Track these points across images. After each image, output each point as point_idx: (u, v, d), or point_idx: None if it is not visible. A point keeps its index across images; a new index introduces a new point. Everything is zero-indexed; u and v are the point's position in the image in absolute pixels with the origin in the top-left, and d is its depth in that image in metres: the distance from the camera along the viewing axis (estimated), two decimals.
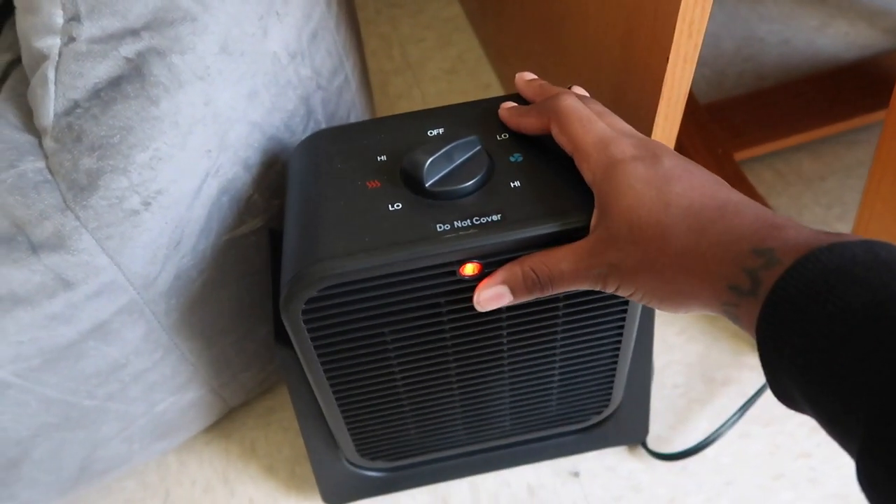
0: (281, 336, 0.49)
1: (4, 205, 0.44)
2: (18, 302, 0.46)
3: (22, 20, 0.46)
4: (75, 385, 0.51)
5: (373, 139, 0.48)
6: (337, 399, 0.51)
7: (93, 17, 0.44)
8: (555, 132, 0.43)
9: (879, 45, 0.96)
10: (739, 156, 0.85)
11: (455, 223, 0.42)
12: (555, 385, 0.55)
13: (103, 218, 0.46)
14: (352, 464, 0.62)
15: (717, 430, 0.67)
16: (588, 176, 0.41)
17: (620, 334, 0.51)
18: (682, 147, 0.84)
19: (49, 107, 0.44)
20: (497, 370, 0.52)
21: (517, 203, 0.43)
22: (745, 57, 0.97)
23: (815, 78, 0.92)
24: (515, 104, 0.48)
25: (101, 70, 0.44)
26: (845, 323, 0.30)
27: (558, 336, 0.50)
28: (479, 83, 0.99)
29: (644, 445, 0.67)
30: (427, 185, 0.43)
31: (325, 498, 0.65)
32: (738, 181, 0.83)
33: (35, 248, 0.45)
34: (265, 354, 0.65)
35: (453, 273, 0.43)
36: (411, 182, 0.44)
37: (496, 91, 0.98)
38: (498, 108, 0.49)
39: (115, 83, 0.45)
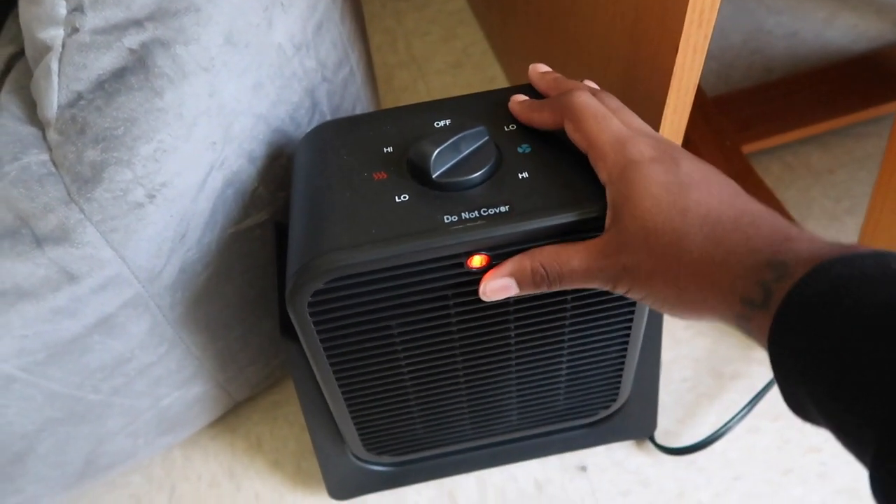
0: (287, 329, 0.49)
1: (8, 198, 0.44)
2: (23, 295, 0.46)
3: (25, 11, 0.45)
4: (80, 379, 0.51)
5: (379, 130, 0.47)
6: (343, 392, 0.51)
7: (96, 7, 0.43)
8: (569, 129, 0.43)
9: (888, 38, 0.95)
10: (748, 148, 0.84)
11: (462, 214, 0.41)
12: (562, 379, 0.54)
13: (108, 211, 0.46)
14: (357, 458, 0.61)
15: (725, 425, 0.66)
16: (603, 175, 0.40)
17: (629, 329, 0.51)
18: (689, 140, 0.84)
19: (53, 99, 0.44)
20: (504, 364, 0.51)
21: (525, 194, 0.42)
22: (752, 49, 0.96)
23: (823, 70, 0.92)
24: (527, 97, 0.47)
25: (105, 61, 0.44)
26: (855, 332, 0.30)
27: (566, 330, 0.49)
28: (484, 77, 0.98)
29: (652, 440, 0.67)
30: (434, 176, 0.43)
31: (331, 493, 0.65)
32: (746, 174, 0.82)
33: (39, 242, 0.45)
34: (270, 349, 0.65)
35: (461, 265, 0.42)
36: (418, 173, 0.43)
37: (501, 84, 0.97)
38: (506, 99, 0.48)
39: (119, 74, 0.44)
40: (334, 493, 0.65)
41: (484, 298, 0.43)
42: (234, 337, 0.60)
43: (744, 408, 0.67)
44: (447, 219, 0.41)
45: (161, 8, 0.45)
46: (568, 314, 0.48)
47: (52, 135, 0.45)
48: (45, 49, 0.44)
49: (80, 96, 0.44)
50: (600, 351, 0.52)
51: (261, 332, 0.62)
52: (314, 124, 0.57)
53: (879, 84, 0.88)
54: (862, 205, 0.81)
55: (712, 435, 0.66)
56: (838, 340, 0.30)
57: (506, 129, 0.46)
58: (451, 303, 0.45)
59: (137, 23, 0.44)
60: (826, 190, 0.84)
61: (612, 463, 0.67)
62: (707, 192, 0.37)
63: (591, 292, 0.47)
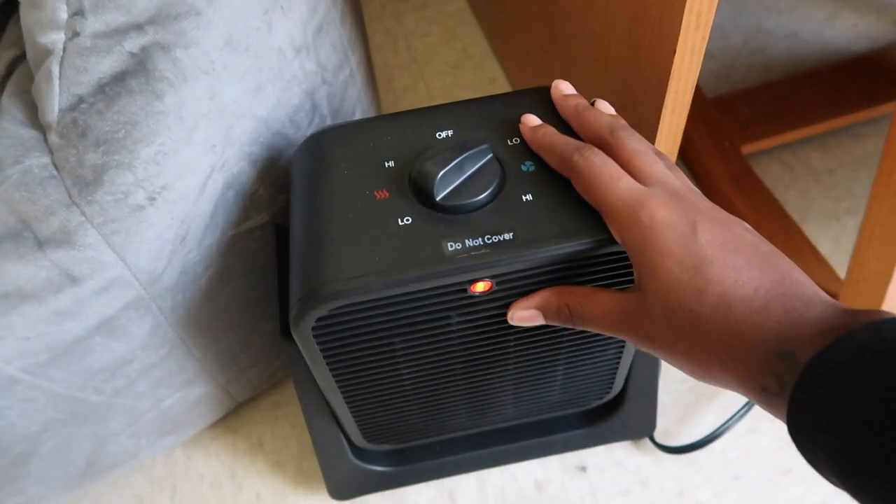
0: (286, 331, 0.49)
1: (10, 200, 0.44)
2: (25, 298, 0.46)
3: (26, 16, 0.46)
4: (82, 381, 0.51)
5: (379, 141, 0.47)
6: (346, 398, 0.51)
7: (97, 11, 0.44)
8: (577, 188, 0.42)
9: (888, 38, 0.96)
10: (747, 149, 0.84)
11: (466, 242, 0.41)
12: (558, 378, 0.55)
13: (109, 213, 0.46)
14: (358, 458, 0.62)
15: (724, 424, 0.66)
16: (618, 237, 0.40)
17: (623, 344, 0.52)
18: (689, 140, 0.84)
19: (54, 102, 0.44)
20: (502, 369, 0.52)
21: (529, 220, 0.42)
22: (752, 50, 0.96)
23: (823, 70, 0.92)
24: (539, 122, 0.46)
25: (106, 65, 0.44)
26: (866, 422, 0.30)
27: (564, 340, 0.50)
28: (484, 77, 0.98)
29: (652, 439, 0.67)
30: (438, 198, 0.42)
31: (332, 493, 0.65)
32: (746, 175, 0.82)
33: (41, 244, 0.45)
34: (271, 350, 0.65)
35: (464, 290, 0.42)
36: (421, 195, 0.43)
37: (502, 85, 0.97)
38: (509, 106, 0.47)
39: (120, 78, 0.45)
40: (335, 494, 0.65)
41: (511, 322, 0.44)
42: (236, 338, 0.60)
43: (743, 407, 0.67)
44: (451, 246, 0.41)
45: (161, 12, 0.45)
46: (566, 336, 0.49)
47: (54, 138, 0.45)
48: (47, 53, 0.44)
49: (81, 100, 0.44)
50: (597, 355, 0.53)
51: (262, 334, 0.62)
52: (314, 126, 0.57)
53: (879, 84, 0.88)
54: (862, 204, 0.82)
55: (711, 434, 0.66)
56: (851, 432, 0.31)
57: (509, 142, 0.46)
58: (454, 321, 0.45)
59: (138, 27, 0.45)
60: (826, 190, 0.84)
61: (611, 463, 0.67)
62: (722, 269, 0.37)
63: None
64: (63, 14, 0.44)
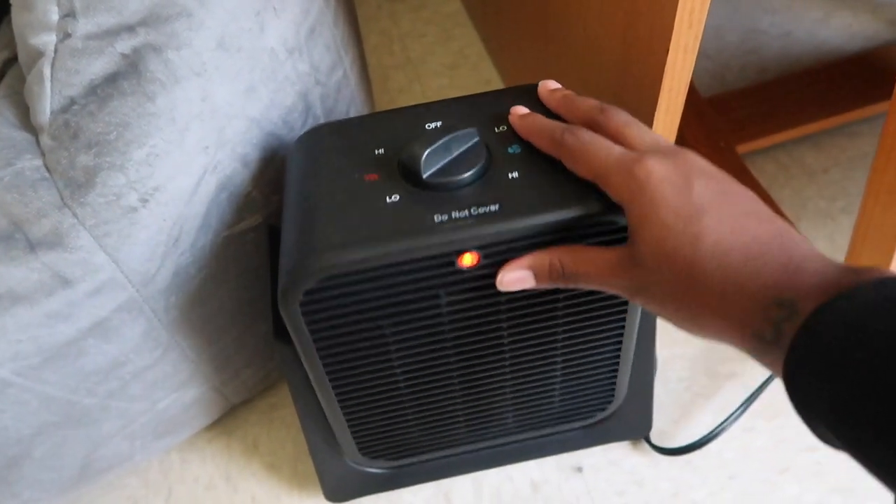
0: (280, 333, 0.49)
1: (2, 203, 0.44)
2: (17, 300, 0.46)
3: (17, 17, 0.46)
4: (76, 383, 0.51)
5: (370, 133, 0.48)
6: (337, 395, 0.51)
7: (88, 13, 0.44)
8: (568, 166, 0.42)
9: (882, 37, 0.96)
10: (742, 148, 0.84)
11: (453, 214, 0.42)
12: (557, 379, 0.55)
13: (101, 215, 0.46)
14: (354, 462, 0.62)
15: (720, 425, 0.66)
16: (615, 196, 0.40)
17: (622, 328, 0.51)
18: (684, 140, 0.84)
19: (45, 104, 0.44)
20: (498, 364, 0.52)
21: (515, 194, 0.43)
22: (747, 49, 0.96)
23: (817, 70, 0.92)
24: (528, 111, 0.47)
25: (97, 66, 0.44)
26: (870, 372, 0.30)
27: (559, 330, 0.50)
28: (480, 78, 0.98)
29: (647, 440, 0.67)
30: (425, 176, 0.43)
31: (327, 495, 0.65)
32: (741, 174, 0.82)
33: (33, 246, 0.45)
34: (266, 351, 0.65)
35: (452, 264, 0.43)
36: (409, 174, 0.44)
37: (497, 86, 0.97)
38: (497, 102, 0.48)
39: (112, 79, 0.45)
40: (331, 496, 0.65)
41: (500, 288, 0.43)
42: (230, 340, 0.60)
43: (739, 407, 0.67)
44: (437, 218, 0.42)
45: (153, 13, 0.45)
46: (560, 313, 0.48)
47: (46, 140, 0.45)
48: (38, 55, 0.44)
49: (72, 101, 0.44)
50: (594, 350, 0.53)
51: (256, 335, 0.62)
52: (307, 127, 0.57)
53: (873, 83, 0.89)
54: (856, 203, 0.81)
55: (707, 435, 0.66)
56: (851, 381, 0.31)
57: (496, 130, 0.47)
58: (443, 301, 0.45)
59: (130, 28, 0.44)
60: (821, 189, 0.84)
61: (607, 463, 0.67)
62: (718, 217, 0.37)
63: (581, 295, 0.47)
64: (54, 16, 0.43)
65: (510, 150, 0.45)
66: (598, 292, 0.47)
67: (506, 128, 0.47)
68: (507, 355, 0.51)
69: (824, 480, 0.65)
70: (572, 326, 0.49)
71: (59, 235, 0.45)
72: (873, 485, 0.32)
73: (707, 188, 0.38)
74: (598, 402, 0.59)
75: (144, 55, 0.45)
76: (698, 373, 0.72)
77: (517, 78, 0.92)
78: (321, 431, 0.59)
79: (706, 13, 0.47)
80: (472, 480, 0.67)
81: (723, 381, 0.71)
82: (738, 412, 0.67)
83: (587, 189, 0.41)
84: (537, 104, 0.48)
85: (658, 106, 0.52)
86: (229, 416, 0.72)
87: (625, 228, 0.41)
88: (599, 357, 0.53)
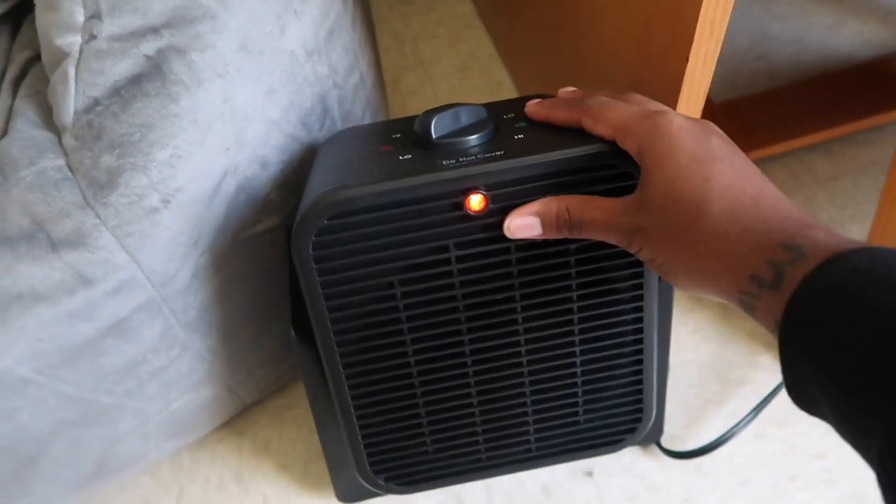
0: (298, 329, 0.49)
1: (25, 202, 0.44)
2: (38, 299, 0.46)
3: (42, 17, 0.46)
4: (94, 382, 0.52)
5: (390, 125, 0.52)
6: (346, 375, 0.50)
7: (114, 14, 0.44)
8: (588, 126, 0.43)
9: (893, 45, 0.96)
10: (753, 155, 0.84)
11: (460, 159, 0.44)
12: (577, 377, 0.53)
13: (123, 216, 0.46)
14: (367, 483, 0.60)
15: (731, 430, 0.66)
16: (633, 149, 0.41)
17: (640, 323, 0.51)
18: None
19: (69, 104, 0.44)
20: (514, 354, 0.51)
21: (521, 146, 0.45)
22: (758, 55, 0.96)
23: (828, 77, 0.92)
24: (542, 100, 0.49)
25: (122, 68, 0.44)
26: (875, 324, 0.29)
27: (574, 318, 0.50)
28: (490, 80, 0.98)
29: (658, 445, 0.67)
30: (434, 137, 0.46)
31: (339, 496, 0.65)
32: None
33: (55, 246, 0.45)
34: (280, 352, 0.65)
35: (459, 206, 0.44)
36: (420, 140, 0.47)
37: (507, 87, 0.97)
38: (507, 105, 0.50)
39: (136, 81, 0.45)
40: (343, 497, 0.65)
41: (507, 234, 0.44)
42: (245, 340, 0.60)
43: (750, 413, 0.67)
44: (445, 163, 0.44)
45: (177, 15, 0.45)
46: (573, 282, 0.48)
47: (69, 140, 0.45)
48: (63, 55, 0.44)
49: (96, 102, 0.44)
50: (614, 345, 0.52)
51: (271, 336, 0.62)
52: (325, 130, 0.58)
53: (884, 91, 0.89)
54: (866, 211, 0.82)
55: (718, 439, 0.66)
56: (855, 330, 0.30)
57: (504, 116, 0.49)
58: (453, 256, 0.46)
59: (154, 30, 0.45)
60: (831, 197, 0.84)
61: (618, 468, 0.67)
62: (731, 166, 0.38)
63: (595, 257, 0.47)
64: (80, 17, 0.44)
65: (517, 125, 0.48)
66: (612, 266, 0.47)
67: (513, 115, 0.49)
68: (521, 338, 0.50)
69: (834, 488, 0.65)
70: (587, 310, 0.50)
71: (81, 235, 0.45)
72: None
73: (725, 145, 0.39)
74: (627, 415, 0.57)
75: (168, 57, 0.45)
76: (708, 378, 0.72)
77: (528, 80, 0.92)
78: (335, 431, 0.59)
79: (727, 22, 0.47)
80: (483, 484, 0.67)
81: (733, 388, 0.71)
82: (748, 417, 0.67)
83: (592, 139, 0.43)
84: None
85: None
86: (240, 417, 0.72)
87: (629, 175, 0.43)
88: (619, 353, 0.53)
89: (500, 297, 0.48)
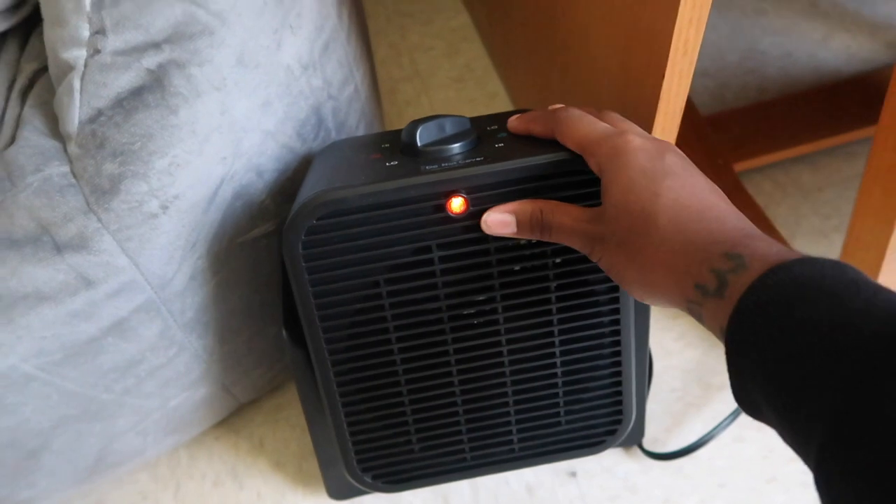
0: (290, 330, 0.52)
1: (31, 207, 0.47)
2: (43, 299, 0.48)
3: (49, 32, 0.48)
4: (94, 379, 0.54)
5: (380, 137, 0.56)
6: (336, 378, 0.52)
7: (117, 30, 0.46)
8: (559, 137, 0.46)
9: (881, 59, 0.98)
10: (739, 167, 0.86)
11: (442, 165, 0.47)
12: (558, 377, 0.55)
13: (124, 220, 0.48)
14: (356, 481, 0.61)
15: (710, 432, 0.68)
16: (595, 167, 0.44)
17: (618, 328, 0.53)
18: None
19: (74, 114, 0.47)
20: (496, 352, 0.53)
21: (499, 153, 0.48)
22: (747, 69, 0.98)
23: (816, 91, 0.94)
24: (523, 114, 0.52)
25: (124, 80, 0.47)
26: (813, 333, 0.31)
27: (554, 318, 0.52)
28: (486, 92, 1.01)
29: (640, 447, 0.69)
30: (420, 145, 0.49)
31: (330, 493, 0.67)
32: (737, 191, 0.84)
33: (59, 249, 0.48)
34: (274, 353, 0.68)
35: (442, 208, 0.47)
36: (407, 147, 0.50)
37: (503, 99, 1.00)
38: (492, 118, 0.54)
39: (137, 93, 0.47)
40: (334, 494, 0.67)
41: (485, 228, 0.47)
42: (241, 341, 0.62)
43: (729, 416, 0.69)
44: (429, 167, 0.47)
45: (177, 31, 0.48)
46: (552, 285, 0.51)
47: (73, 148, 0.47)
48: (69, 68, 0.47)
49: (100, 113, 0.47)
50: (592, 349, 0.54)
51: (265, 337, 0.65)
52: (320, 140, 0.60)
53: (870, 105, 0.90)
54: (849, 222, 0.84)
55: (698, 441, 0.68)
56: (795, 338, 0.32)
57: (487, 128, 0.53)
58: (436, 257, 0.49)
59: (155, 45, 0.47)
60: (815, 208, 0.86)
61: (601, 469, 0.69)
62: (681, 183, 0.40)
63: (572, 260, 0.50)
64: (85, 32, 0.46)
65: (498, 136, 0.51)
66: (589, 269, 0.50)
67: (496, 126, 0.52)
68: (503, 338, 0.52)
69: (810, 491, 0.66)
70: (566, 315, 0.52)
71: (84, 239, 0.48)
72: None
73: (678, 163, 0.42)
74: (606, 417, 0.59)
75: (168, 70, 0.48)
76: (691, 383, 0.74)
77: (523, 93, 0.95)
78: (326, 430, 0.61)
79: (700, 40, 0.49)
80: (469, 484, 0.69)
81: (714, 393, 0.73)
82: (727, 421, 0.69)
83: (564, 149, 0.46)
84: None
85: (654, 128, 0.54)
86: (236, 416, 0.74)
87: (595, 181, 0.45)
88: (598, 355, 0.55)
89: (481, 297, 0.51)
